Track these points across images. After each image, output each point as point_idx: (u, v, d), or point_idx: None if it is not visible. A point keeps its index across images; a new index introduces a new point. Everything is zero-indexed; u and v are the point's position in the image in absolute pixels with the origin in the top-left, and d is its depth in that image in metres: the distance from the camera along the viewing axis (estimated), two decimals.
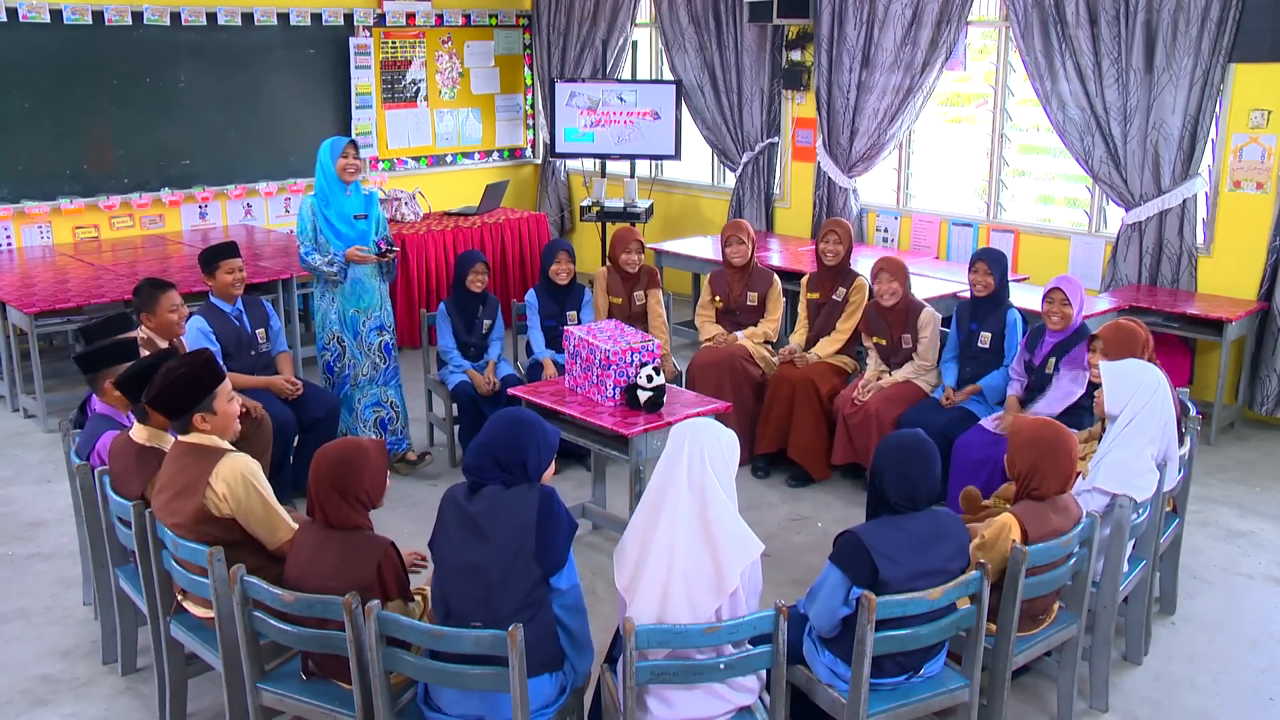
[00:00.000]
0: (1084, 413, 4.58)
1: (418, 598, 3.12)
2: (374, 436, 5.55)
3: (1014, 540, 3.14)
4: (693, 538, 2.78)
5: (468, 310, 5.62)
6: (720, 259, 5.87)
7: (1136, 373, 3.68)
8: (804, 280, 5.65)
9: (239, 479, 3.14)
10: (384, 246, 5.36)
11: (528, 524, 2.80)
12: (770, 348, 5.66)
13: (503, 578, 2.77)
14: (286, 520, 3.24)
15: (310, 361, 7.05)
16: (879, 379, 5.18)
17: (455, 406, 5.52)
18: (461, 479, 2.97)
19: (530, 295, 5.70)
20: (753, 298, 5.70)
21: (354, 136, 5.44)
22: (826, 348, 5.45)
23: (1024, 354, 4.74)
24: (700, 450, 2.84)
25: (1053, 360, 4.60)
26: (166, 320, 4.51)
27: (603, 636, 4.03)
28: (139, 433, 3.50)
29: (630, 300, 5.73)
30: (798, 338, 5.59)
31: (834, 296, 5.49)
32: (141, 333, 4.46)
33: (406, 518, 4.95)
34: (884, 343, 5.24)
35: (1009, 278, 5.08)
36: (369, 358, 5.39)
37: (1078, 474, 3.69)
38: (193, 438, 3.24)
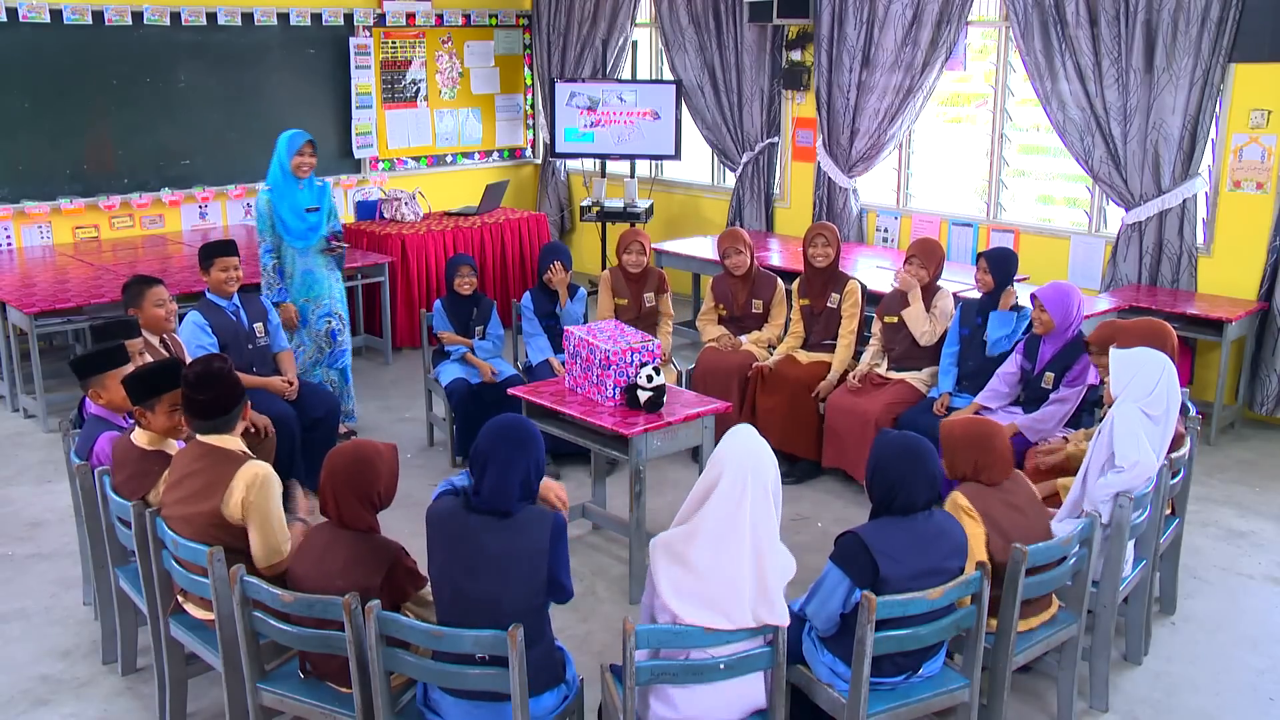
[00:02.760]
0: (1082, 413, 4.59)
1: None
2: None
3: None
4: (747, 565, 2.80)
5: (461, 313, 5.64)
6: (719, 264, 5.85)
7: (1144, 353, 3.70)
8: (795, 285, 5.64)
9: (258, 483, 3.14)
10: (333, 241, 5.68)
11: (540, 551, 2.79)
12: (768, 351, 5.65)
13: (513, 608, 2.75)
14: (287, 545, 3.21)
15: None
16: (870, 369, 5.20)
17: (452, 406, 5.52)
18: (446, 489, 3.00)
19: (526, 299, 5.69)
20: (757, 305, 5.68)
21: (311, 136, 5.60)
22: (842, 354, 5.41)
23: (1023, 362, 4.73)
24: (764, 480, 2.84)
25: (1051, 375, 4.59)
26: (154, 315, 4.51)
27: (603, 636, 4.05)
28: (140, 437, 3.49)
29: (639, 302, 5.71)
30: (789, 344, 5.58)
31: (828, 304, 5.47)
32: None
33: (406, 517, 4.94)
34: (894, 320, 5.24)
35: (1013, 276, 5.07)
36: (315, 342, 5.73)
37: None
38: (217, 440, 3.24)
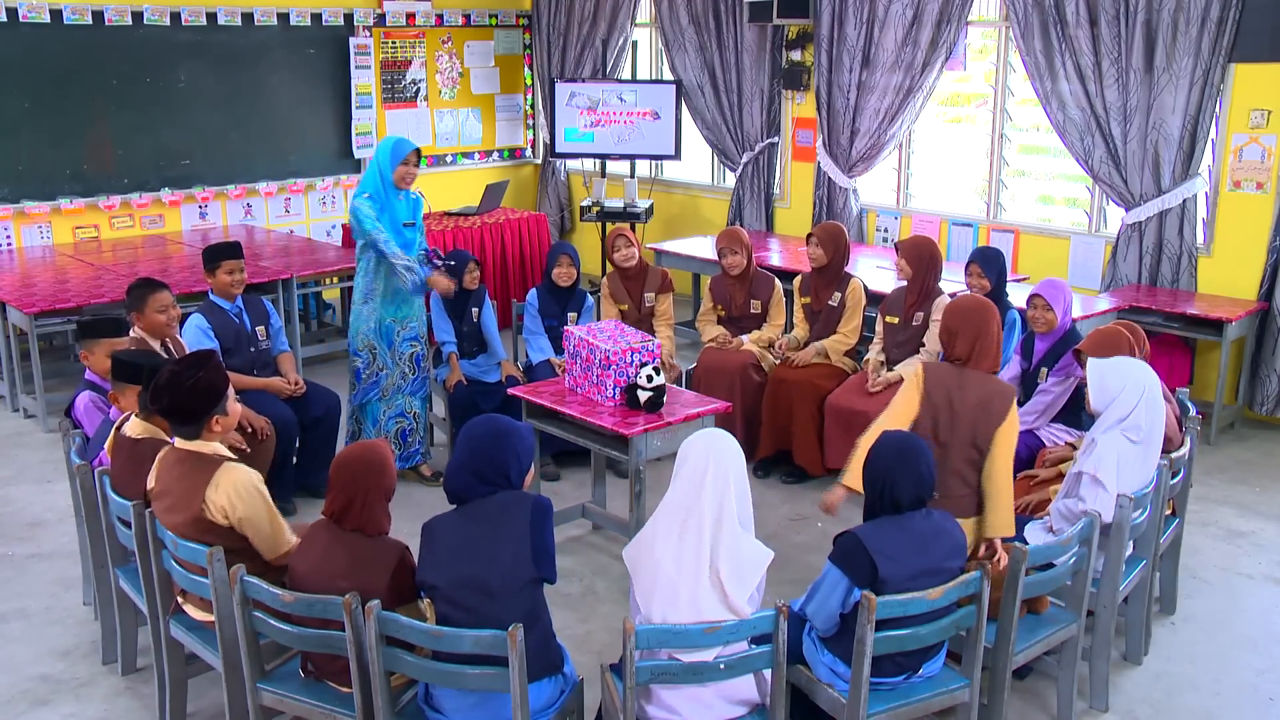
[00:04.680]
0: (1081, 413, 4.59)
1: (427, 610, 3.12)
2: (392, 447, 5.54)
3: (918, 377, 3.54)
4: (702, 562, 2.80)
5: (458, 302, 5.62)
6: (718, 264, 5.84)
7: (1124, 369, 3.68)
8: (796, 282, 5.64)
9: (243, 492, 3.12)
10: (434, 259, 5.25)
11: (522, 527, 2.81)
12: (772, 350, 5.64)
13: (502, 584, 2.77)
14: (289, 534, 3.24)
15: (310, 361, 7.06)
16: (880, 372, 5.19)
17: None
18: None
19: (531, 296, 5.68)
20: (756, 305, 5.66)
21: (417, 145, 5.11)
22: (835, 349, 5.43)
23: (1021, 362, 4.73)
24: (725, 473, 2.85)
25: (1045, 370, 4.59)
26: (155, 321, 4.50)
27: (603, 636, 4.05)
28: (135, 428, 3.47)
29: (640, 303, 5.69)
30: (794, 336, 5.58)
31: (829, 302, 5.47)
32: (134, 333, 4.46)
33: (406, 518, 4.93)
34: (895, 320, 5.23)
35: (1007, 277, 5.07)
36: (399, 367, 5.30)
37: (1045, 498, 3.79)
38: (193, 444, 3.21)
